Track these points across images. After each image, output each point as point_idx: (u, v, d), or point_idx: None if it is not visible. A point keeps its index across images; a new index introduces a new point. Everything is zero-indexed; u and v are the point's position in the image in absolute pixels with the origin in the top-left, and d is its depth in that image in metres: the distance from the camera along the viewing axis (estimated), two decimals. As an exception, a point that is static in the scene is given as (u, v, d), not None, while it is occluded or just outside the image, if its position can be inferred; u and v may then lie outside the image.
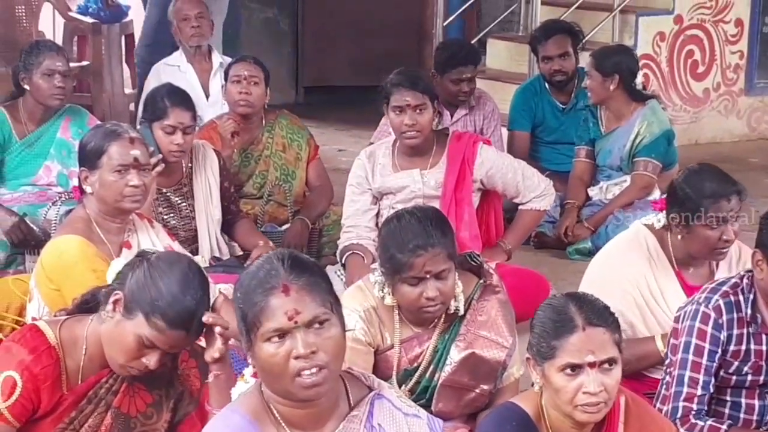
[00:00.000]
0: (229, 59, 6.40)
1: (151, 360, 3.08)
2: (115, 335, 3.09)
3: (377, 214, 5.06)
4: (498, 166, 5.04)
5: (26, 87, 5.48)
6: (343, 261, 5.02)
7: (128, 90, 8.74)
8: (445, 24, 8.94)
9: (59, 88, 5.47)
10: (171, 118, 4.90)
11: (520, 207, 5.19)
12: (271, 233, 5.47)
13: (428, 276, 3.46)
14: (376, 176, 5.07)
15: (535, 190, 5.10)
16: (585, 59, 6.63)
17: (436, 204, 4.88)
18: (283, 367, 2.50)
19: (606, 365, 2.92)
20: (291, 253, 2.63)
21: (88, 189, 4.01)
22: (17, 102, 5.57)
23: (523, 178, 5.08)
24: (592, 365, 2.90)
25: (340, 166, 7.79)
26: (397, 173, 5.03)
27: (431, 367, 3.58)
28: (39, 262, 4.03)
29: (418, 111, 4.87)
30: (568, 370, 2.92)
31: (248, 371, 2.70)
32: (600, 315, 2.97)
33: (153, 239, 4.13)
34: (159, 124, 4.91)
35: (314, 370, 2.50)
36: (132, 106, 8.55)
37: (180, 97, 5.03)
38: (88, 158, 4.00)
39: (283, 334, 2.50)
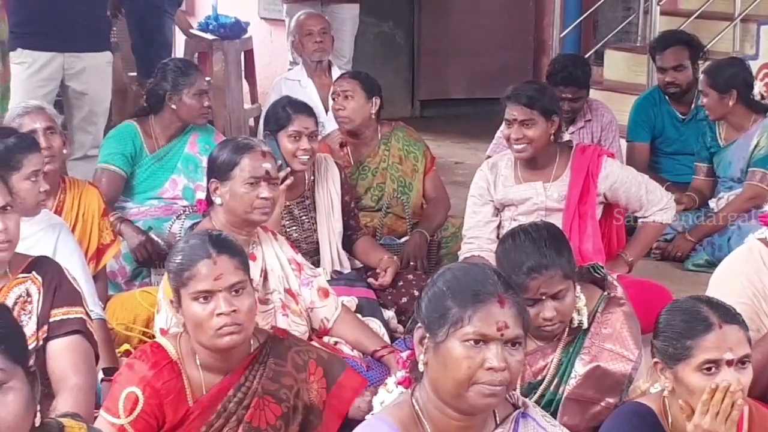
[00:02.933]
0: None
1: None
2: None
3: (498, 226, 5.06)
4: (622, 179, 5.00)
5: (174, 106, 5.58)
6: None
7: (247, 105, 8.87)
8: (561, 36, 8.89)
9: (208, 107, 5.64)
10: (295, 124, 4.97)
11: (642, 220, 5.14)
12: (390, 245, 5.49)
13: (544, 297, 3.45)
14: (498, 187, 5.06)
15: (658, 204, 5.05)
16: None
17: (559, 216, 4.89)
18: (472, 371, 2.50)
19: (740, 363, 2.91)
20: (497, 269, 2.68)
21: (217, 200, 4.09)
22: (148, 118, 5.67)
23: (647, 192, 5.03)
24: (729, 363, 2.89)
25: (457, 179, 7.80)
26: (519, 185, 5.03)
27: (555, 380, 3.57)
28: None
29: (525, 126, 4.89)
30: (706, 368, 2.90)
31: (391, 380, 2.71)
32: (732, 314, 2.96)
33: (277, 251, 4.19)
34: (284, 132, 4.97)
35: (498, 385, 2.52)
36: (251, 121, 8.69)
37: (301, 105, 5.13)
38: (220, 170, 4.08)
39: (484, 341, 2.51)
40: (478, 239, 5.03)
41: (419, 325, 2.62)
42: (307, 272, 4.24)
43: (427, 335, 2.58)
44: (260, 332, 3.41)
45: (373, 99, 5.69)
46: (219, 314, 3.17)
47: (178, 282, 3.25)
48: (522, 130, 4.90)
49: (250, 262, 4.03)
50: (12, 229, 3.47)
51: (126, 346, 4.47)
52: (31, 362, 2.41)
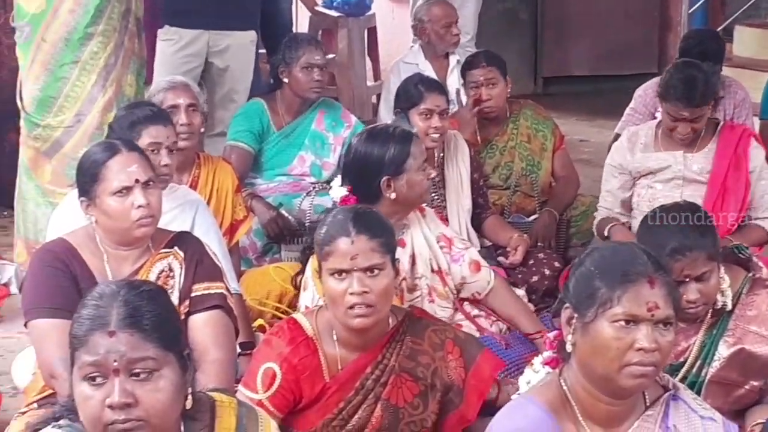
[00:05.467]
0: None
1: None
2: None
3: (632, 195, 5.01)
4: (762, 167, 4.89)
5: (285, 80, 5.61)
6: (606, 233, 4.99)
7: (370, 82, 8.89)
8: (689, 11, 8.74)
9: (317, 81, 5.61)
10: (427, 102, 4.99)
11: (750, 221, 4.96)
12: (519, 224, 5.45)
13: (688, 279, 3.39)
14: (636, 155, 5.00)
15: None
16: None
17: (695, 188, 4.84)
18: (621, 352, 2.48)
19: None
20: (646, 248, 2.63)
21: (392, 195, 4.07)
22: (275, 94, 5.70)
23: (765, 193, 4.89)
24: None
25: (582, 157, 7.72)
26: (658, 152, 4.96)
27: (698, 362, 3.51)
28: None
29: (695, 122, 4.83)
30: None
31: (537, 360, 2.69)
32: None
33: (425, 231, 4.20)
34: (416, 110, 4.99)
35: (649, 366, 2.48)
36: (374, 98, 8.69)
37: (433, 83, 5.16)
38: (391, 165, 4.07)
39: (634, 322, 2.49)
40: (614, 201, 5.00)
41: (567, 305, 2.60)
42: (458, 245, 4.25)
43: (575, 316, 2.56)
44: (398, 310, 3.42)
45: (507, 79, 5.67)
46: (351, 293, 3.18)
47: (320, 254, 3.27)
48: (690, 126, 4.83)
49: (399, 249, 4.02)
50: (154, 204, 3.51)
51: (260, 321, 4.51)
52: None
